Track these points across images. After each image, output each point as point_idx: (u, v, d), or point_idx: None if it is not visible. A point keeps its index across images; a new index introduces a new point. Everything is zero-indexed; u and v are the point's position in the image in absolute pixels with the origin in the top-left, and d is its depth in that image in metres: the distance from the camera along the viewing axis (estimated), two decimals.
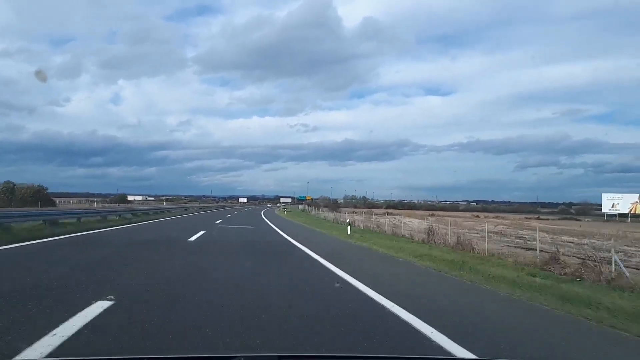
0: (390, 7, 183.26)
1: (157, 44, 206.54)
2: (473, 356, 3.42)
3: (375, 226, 23.70)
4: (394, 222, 29.02)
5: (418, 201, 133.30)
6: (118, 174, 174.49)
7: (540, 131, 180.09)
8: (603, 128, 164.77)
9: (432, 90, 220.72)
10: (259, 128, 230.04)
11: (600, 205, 74.63)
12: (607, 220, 62.28)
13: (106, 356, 2.93)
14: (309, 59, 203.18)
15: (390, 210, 73.85)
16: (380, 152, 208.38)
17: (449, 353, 3.46)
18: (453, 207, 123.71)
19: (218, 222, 25.09)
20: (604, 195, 73.07)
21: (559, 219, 63.49)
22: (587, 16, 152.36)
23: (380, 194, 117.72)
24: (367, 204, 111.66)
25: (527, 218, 60.99)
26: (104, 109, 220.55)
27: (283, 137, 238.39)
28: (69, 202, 75.20)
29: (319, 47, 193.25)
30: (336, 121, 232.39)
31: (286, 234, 17.24)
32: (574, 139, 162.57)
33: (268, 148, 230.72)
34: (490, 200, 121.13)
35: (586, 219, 63.81)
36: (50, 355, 3.03)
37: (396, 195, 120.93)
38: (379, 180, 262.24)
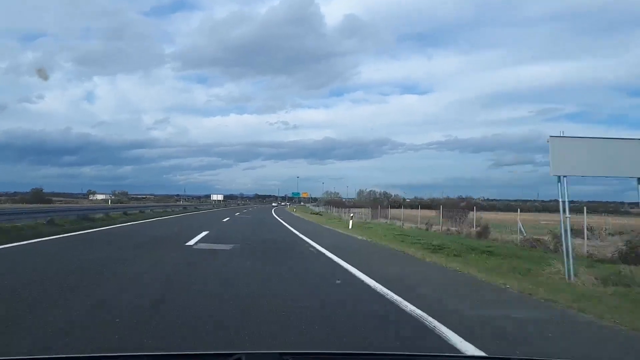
0: (370, 5, 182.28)
1: (134, 40, 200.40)
2: (482, 354, 3.62)
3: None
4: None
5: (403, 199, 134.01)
6: (92, 173, 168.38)
7: (516, 130, 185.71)
8: (576, 127, 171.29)
9: (410, 89, 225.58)
10: (237, 126, 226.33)
11: None
12: None
13: (105, 354, 2.93)
14: (289, 56, 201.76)
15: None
16: (359, 150, 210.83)
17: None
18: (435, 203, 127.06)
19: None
20: None
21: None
22: (559, 19, 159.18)
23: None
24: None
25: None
26: (79, 106, 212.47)
27: (262, 135, 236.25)
28: None
29: (300, 44, 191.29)
30: (316, 119, 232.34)
31: None
32: (548, 138, 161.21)
33: (247, 146, 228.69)
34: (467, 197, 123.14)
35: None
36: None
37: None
38: (358, 178, 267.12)
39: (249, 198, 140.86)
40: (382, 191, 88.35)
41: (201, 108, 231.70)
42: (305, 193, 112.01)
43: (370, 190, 65.80)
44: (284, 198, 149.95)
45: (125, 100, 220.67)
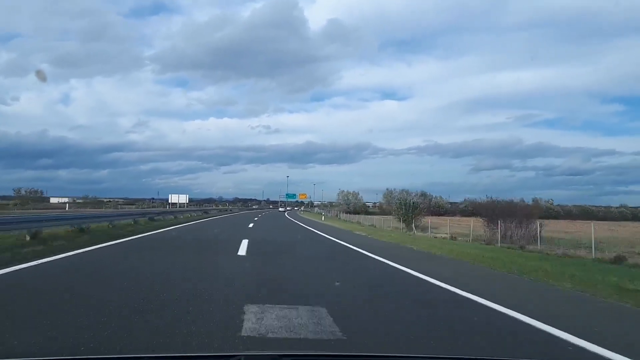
0: (353, 10, 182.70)
1: (113, 41, 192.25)
2: (477, 356, 3.87)
3: None
4: None
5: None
6: (68, 176, 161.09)
7: (495, 135, 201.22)
8: (552, 133, 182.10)
9: (390, 94, 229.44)
10: (218, 130, 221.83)
11: None
12: None
13: (105, 355, 3.22)
14: (272, 60, 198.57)
15: None
16: (340, 154, 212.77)
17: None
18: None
19: None
20: None
21: None
22: (537, 26, 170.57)
23: (333, 196, 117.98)
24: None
25: None
26: (55, 108, 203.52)
27: (243, 139, 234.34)
28: None
29: (283, 48, 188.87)
30: (298, 123, 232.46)
31: None
32: (526, 143, 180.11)
33: (227, 150, 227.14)
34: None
35: None
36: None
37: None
38: (339, 183, 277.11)
39: (229, 201, 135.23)
40: (417, 192, 77.56)
41: (181, 111, 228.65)
42: (303, 195, 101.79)
43: (403, 191, 59.48)
44: (267, 202, 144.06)
45: (103, 103, 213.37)
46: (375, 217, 46.25)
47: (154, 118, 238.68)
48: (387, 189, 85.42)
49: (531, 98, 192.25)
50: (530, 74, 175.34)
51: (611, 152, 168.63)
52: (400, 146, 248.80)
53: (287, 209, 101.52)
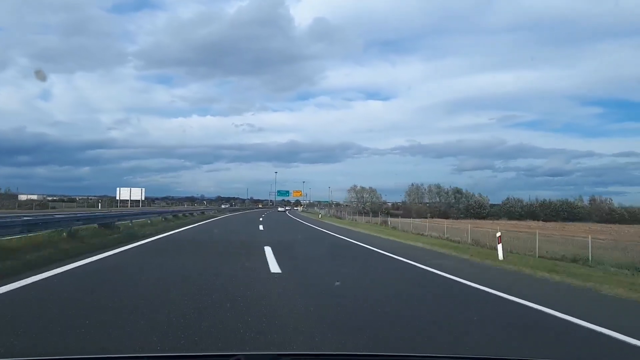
0: (339, 10, 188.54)
1: (95, 36, 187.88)
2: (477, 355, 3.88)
3: None
4: None
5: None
6: (47, 173, 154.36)
7: (478, 136, 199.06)
8: (533, 134, 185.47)
9: (374, 94, 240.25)
10: (201, 128, 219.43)
11: None
12: None
13: (105, 355, 3.14)
14: (257, 57, 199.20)
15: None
16: (325, 154, 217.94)
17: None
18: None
19: None
20: None
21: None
22: (520, 29, 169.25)
23: (322, 196, 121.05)
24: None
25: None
26: (34, 104, 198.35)
27: (227, 137, 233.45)
28: None
29: (268, 46, 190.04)
30: (282, 122, 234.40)
31: None
32: (508, 144, 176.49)
33: (210, 148, 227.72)
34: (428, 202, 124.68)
35: None
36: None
37: (339, 197, 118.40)
38: (323, 182, 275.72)
39: (212, 200, 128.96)
40: (451, 188, 62.72)
41: (164, 109, 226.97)
42: (297, 192, 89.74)
43: (433, 186, 47.23)
44: (252, 200, 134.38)
45: (83, 99, 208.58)
46: (408, 220, 36.32)
47: (136, 115, 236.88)
48: (413, 184, 71.75)
49: (513, 100, 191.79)
50: (513, 76, 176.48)
51: (590, 154, 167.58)
52: (384, 146, 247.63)
53: (287, 208, 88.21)
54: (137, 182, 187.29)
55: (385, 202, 74.29)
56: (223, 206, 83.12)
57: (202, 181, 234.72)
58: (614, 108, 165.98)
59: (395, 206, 67.17)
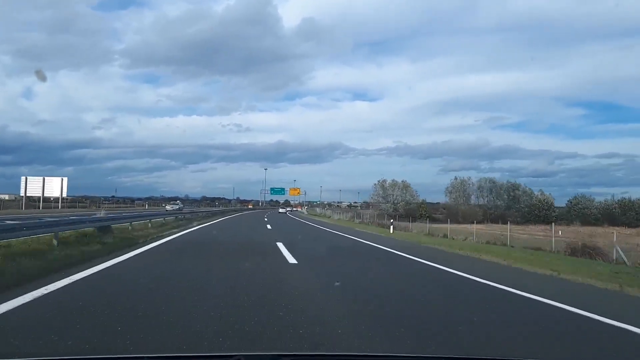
0: (326, 10, 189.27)
1: (81, 34, 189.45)
2: (477, 355, 3.75)
3: None
4: None
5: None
6: (30, 173, 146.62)
7: (464, 137, 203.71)
8: (518, 136, 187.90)
9: (361, 95, 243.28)
10: (187, 127, 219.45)
11: None
12: None
13: (105, 355, 3.10)
14: (245, 57, 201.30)
15: None
16: (312, 154, 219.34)
17: None
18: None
19: None
20: None
21: None
22: (506, 30, 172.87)
23: (313, 196, 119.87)
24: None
25: None
26: (17, 103, 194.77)
27: (214, 137, 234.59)
28: None
29: (256, 45, 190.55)
30: (270, 122, 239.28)
31: None
32: (493, 145, 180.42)
33: (197, 148, 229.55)
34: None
35: None
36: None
37: (326, 197, 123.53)
38: (311, 183, 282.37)
39: (196, 200, 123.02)
40: (506, 183, 50.45)
41: (151, 108, 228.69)
42: (295, 190, 78.41)
43: (485, 180, 37.02)
44: (238, 201, 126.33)
45: (68, 98, 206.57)
46: (465, 226, 27.78)
47: (122, 114, 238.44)
48: (456, 178, 55.07)
49: (499, 101, 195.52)
50: (499, 77, 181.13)
51: (574, 155, 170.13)
52: (372, 147, 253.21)
53: (288, 209, 78.02)
54: (122, 182, 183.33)
55: (423, 202, 58.19)
56: (170, 207, 51.09)
57: (188, 181, 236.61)
58: (596, 110, 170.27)
59: (435, 207, 57.20)
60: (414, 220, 32.23)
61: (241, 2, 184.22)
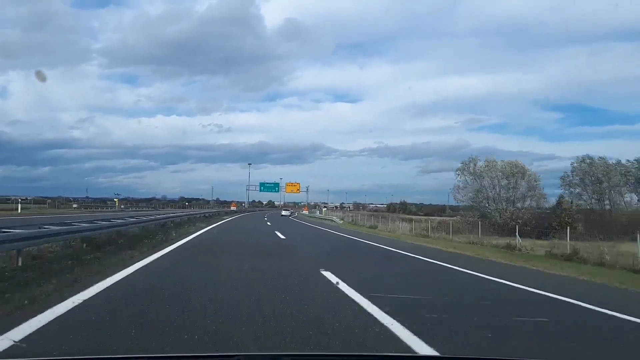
0: (308, 11, 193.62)
1: (58, 32, 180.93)
2: (477, 355, 3.89)
3: None
4: None
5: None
6: (4, 173, 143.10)
7: (443, 139, 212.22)
8: (496, 137, 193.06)
9: (342, 96, 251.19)
10: (167, 127, 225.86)
11: None
12: None
13: (106, 355, 3.06)
14: (226, 57, 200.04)
15: None
16: (294, 155, 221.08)
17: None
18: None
19: None
20: None
21: None
22: (485, 33, 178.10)
23: (291, 197, 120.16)
24: None
25: None
26: None
27: (193, 138, 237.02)
28: None
29: (238, 45, 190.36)
30: (251, 123, 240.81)
31: None
32: (473, 147, 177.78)
33: (176, 148, 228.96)
34: (398, 202, 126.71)
35: None
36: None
37: (312, 198, 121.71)
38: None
39: (174, 201, 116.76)
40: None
41: (129, 108, 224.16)
42: (293, 185, 64.61)
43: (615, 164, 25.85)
44: (218, 202, 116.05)
45: (44, 97, 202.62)
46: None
47: (100, 114, 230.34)
48: (488, 159, 36.58)
49: (479, 103, 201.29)
50: (478, 80, 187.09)
51: (551, 157, 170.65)
52: (353, 148, 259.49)
53: (289, 212, 66.29)
54: (99, 182, 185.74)
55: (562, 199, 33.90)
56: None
57: (167, 182, 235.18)
58: (572, 112, 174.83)
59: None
60: (543, 235, 19.12)
61: (223, 1, 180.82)
